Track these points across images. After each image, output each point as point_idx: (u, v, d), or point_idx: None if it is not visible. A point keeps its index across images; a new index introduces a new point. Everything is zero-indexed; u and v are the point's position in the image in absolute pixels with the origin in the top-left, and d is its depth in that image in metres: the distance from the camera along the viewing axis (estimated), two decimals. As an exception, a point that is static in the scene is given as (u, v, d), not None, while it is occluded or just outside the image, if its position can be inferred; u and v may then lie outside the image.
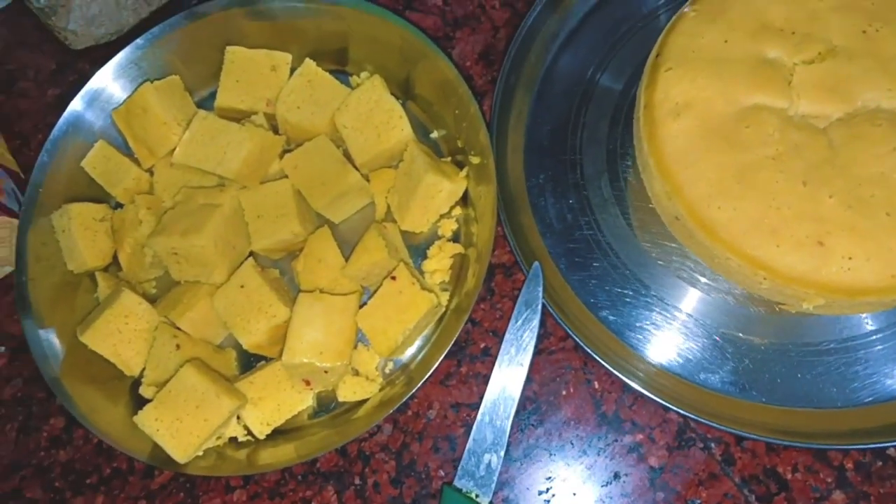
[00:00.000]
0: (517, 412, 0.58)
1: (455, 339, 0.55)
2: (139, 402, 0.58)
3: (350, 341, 0.58)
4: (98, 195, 0.67)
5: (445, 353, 0.55)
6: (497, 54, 0.70)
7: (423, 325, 0.59)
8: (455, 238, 0.63)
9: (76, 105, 0.67)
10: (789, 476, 0.55)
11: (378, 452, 0.60)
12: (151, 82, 0.65)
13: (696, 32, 0.55)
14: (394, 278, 0.57)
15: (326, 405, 0.61)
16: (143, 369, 0.60)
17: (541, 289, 0.58)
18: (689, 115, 0.53)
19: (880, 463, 0.54)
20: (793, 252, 0.49)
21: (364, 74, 0.69)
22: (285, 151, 0.65)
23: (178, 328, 0.61)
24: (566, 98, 0.67)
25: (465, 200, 0.63)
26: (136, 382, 0.61)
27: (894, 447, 0.55)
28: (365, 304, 0.58)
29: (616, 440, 0.57)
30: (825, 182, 0.50)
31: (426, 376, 0.55)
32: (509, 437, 0.57)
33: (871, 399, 0.55)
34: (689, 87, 0.54)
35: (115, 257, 0.66)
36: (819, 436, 0.54)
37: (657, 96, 0.54)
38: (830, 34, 0.54)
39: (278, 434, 0.60)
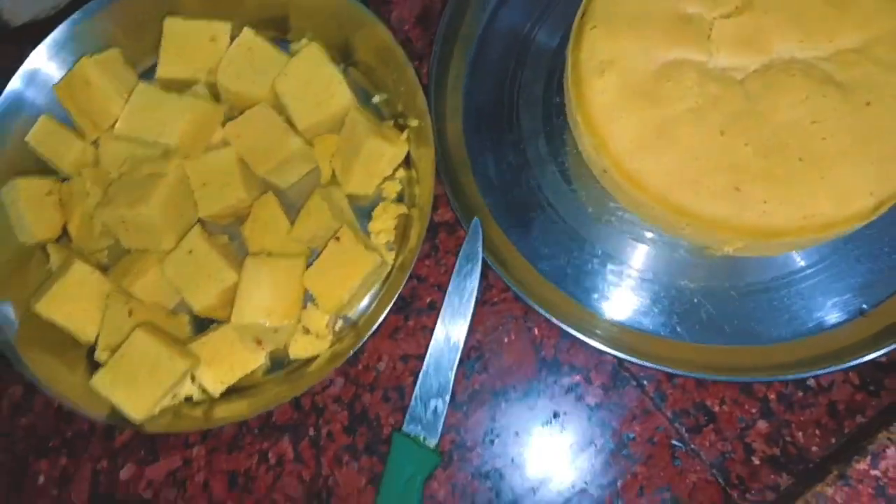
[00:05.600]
0: (462, 361, 0.61)
1: (398, 294, 0.58)
2: (96, 368, 0.60)
3: (297, 301, 0.60)
4: (46, 169, 0.68)
5: (389, 307, 0.57)
6: (434, 17, 0.72)
7: (370, 283, 0.62)
8: (399, 199, 0.65)
9: (15, 84, 0.67)
10: (717, 409, 0.59)
11: (331, 404, 0.62)
12: (91, 56, 0.66)
13: (620, -10, 0.57)
14: (338, 239, 0.59)
15: (279, 363, 0.63)
16: (98, 336, 0.62)
17: (480, 242, 0.60)
18: (612, 72, 0.55)
19: (801, 393, 0.58)
20: (712, 200, 0.52)
21: (304, 41, 0.69)
22: (228, 120, 0.66)
23: (132, 296, 0.62)
24: (503, 57, 0.68)
25: (407, 162, 0.65)
26: (93, 349, 0.63)
27: (814, 378, 0.58)
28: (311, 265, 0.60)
29: (555, 382, 0.61)
30: (742, 132, 0.53)
31: (371, 330, 0.57)
32: (455, 384, 0.60)
33: (793, 335, 0.58)
34: (612, 45, 0.56)
35: (65, 229, 0.67)
36: (745, 370, 0.57)
37: (583, 55, 0.57)
38: (747, -12, 0.56)
39: (233, 392, 0.62)
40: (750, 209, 0.52)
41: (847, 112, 0.52)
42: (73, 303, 0.62)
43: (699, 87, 0.54)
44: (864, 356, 0.54)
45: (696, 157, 0.53)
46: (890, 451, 0.52)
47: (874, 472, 0.52)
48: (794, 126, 0.52)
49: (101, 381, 0.58)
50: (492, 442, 0.60)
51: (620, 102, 0.55)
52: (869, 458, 0.52)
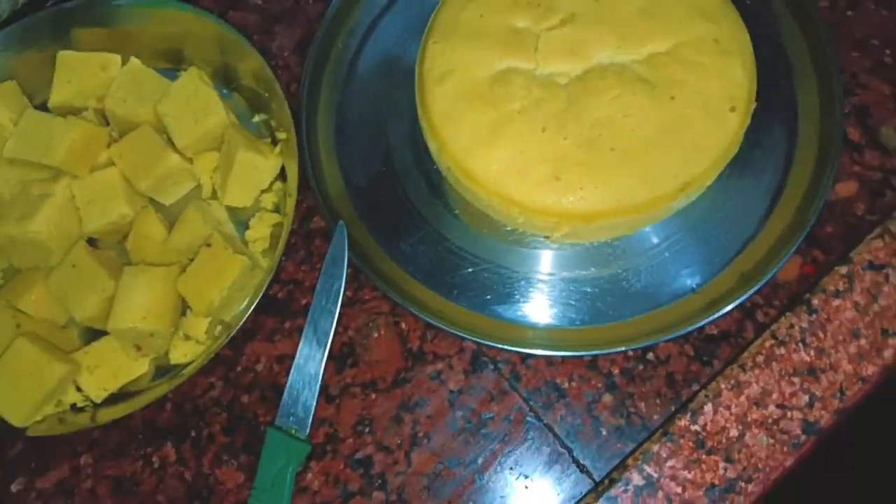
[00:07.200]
0: (335, 357, 0.65)
1: (270, 296, 0.62)
2: (-16, 380, 0.63)
3: (172, 306, 0.63)
4: (-59, 195, 0.71)
5: (254, 307, 0.62)
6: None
7: (243, 286, 0.65)
8: (276, 209, 0.70)
9: (-87, 112, 0.71)
10: (566, 385, 0.63)
11: (211, 407, 0.66)
12: (-14, 88, 0.71)
13: (458, 8, 0.63)
14: (209, 245, 0.64)
15: (164, 370, 0.66)
16: (-14, 350, 0.65)
17: (345, 244, 0.64)
18: (450, 81, 0.61)
19: (641, 367, 0.63)
20: (536, 189, 0.57)
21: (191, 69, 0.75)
22: (115, 142, 0.70)
23: (20, 311, 0.66)
24: (374, 76, 0.74)
25: (284, 176, 0.70)
26: (-17, 363, 0.66)
27: (653, 352, 0.63)
28: (186, 271, 0.64)
29: (421, 371, 0.65)
30: (561, 127, 0.58)
31: (236, 328, 0.61)
32: (329, 379, 0.64)
33: (632, 313, 0.63)
34: (451, 57, 0.62)
35: (-40, 252, 0.71)
36: (589, 345, 0.62)
37: (426, 66, 0.62)
38: (569, 3, 0.62)
39: (118, 399, 0.65)
40: (569, 195, 0.57)
41: (654, 106, 0.58)
42: (-38, 318, 0.65)
43: (526, 90, 0.60)
44: (690, 326, 0.60)
45: (522, 151, 0.58)
46: (707, 408, 0.56)
47: (694, 427, 0.56)
48: (607, 121, 0.58)
49: (-18, 388, 0.61)
50: (362, 431, 0.64)
51: (457, 107, 0.60)
52: (689, 414, 0.57)
